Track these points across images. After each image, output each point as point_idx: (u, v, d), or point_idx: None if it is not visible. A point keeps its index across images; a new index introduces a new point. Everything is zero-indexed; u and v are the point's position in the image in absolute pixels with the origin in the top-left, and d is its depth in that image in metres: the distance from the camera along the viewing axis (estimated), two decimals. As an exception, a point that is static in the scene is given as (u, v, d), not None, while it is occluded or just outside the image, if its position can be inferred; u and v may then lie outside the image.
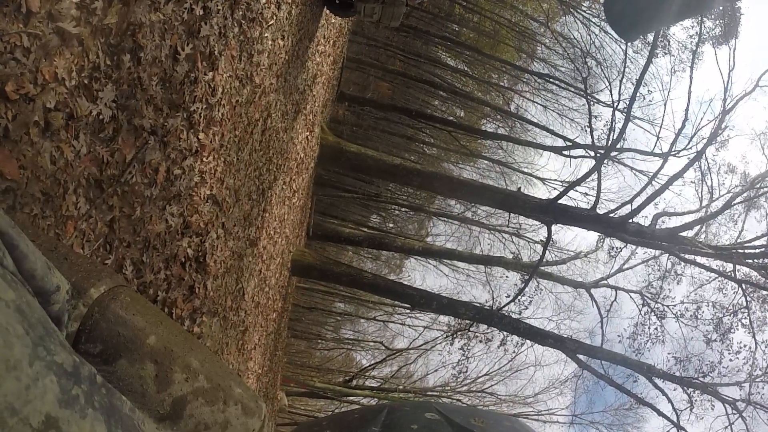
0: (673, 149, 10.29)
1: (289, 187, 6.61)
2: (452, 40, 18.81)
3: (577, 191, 14.31)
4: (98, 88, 1.80)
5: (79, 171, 1.77)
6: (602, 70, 15.87)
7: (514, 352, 14.61)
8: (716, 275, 11.76)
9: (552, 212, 8.91)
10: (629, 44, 12.03)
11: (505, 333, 11.80)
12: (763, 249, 10.20)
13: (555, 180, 20.01)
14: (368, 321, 24.59)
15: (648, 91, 13.59)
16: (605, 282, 15.98)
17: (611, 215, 9.17)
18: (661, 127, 15.50)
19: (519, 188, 9.97)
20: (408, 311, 19.43)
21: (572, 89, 17.55)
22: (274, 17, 4.12)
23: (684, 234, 9.99)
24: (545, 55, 19.22)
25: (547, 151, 15.99)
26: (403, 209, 22.30)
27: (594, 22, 16.27)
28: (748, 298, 11.05)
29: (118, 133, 1.98)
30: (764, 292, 11.20)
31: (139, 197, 2.23)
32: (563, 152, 15.18)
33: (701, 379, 11.20)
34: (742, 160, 29.18)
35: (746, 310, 11.06)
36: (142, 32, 2.05)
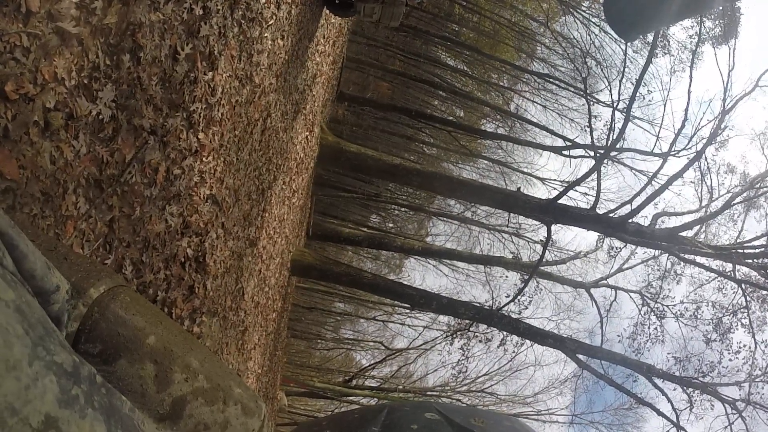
0: (672, 149, 10.29)
1: (288, 187, 6.60)
2: (452, 40, 18.81)
3: (576, 191, 14.33)
4: (98, 88, 1.80)
5: (78, 171, 1.76)
6: (602, 70, 15.89)
7: (513, 352, 14.61)
8: (716, 275, 11.77)
9: (552, 212, 8.91)
10: (629, 44, 12.04)
11: (504, 333, 11.80)
12: (762, 249, 10.20)
13: (555, 180, 20.04)
14: (368, 321, 24.59)
15: (648, 91, 13.60)
16: (605, 282, 15.99)
17: (611, 215, 9.17)
18: (660, 127, 15.47)
19: (519, 188, 9.97)
20: (408, 311, 19.44)
21: (572, 89, 17.56)
22: (274, 17, 4.12)
23: (684, 234, 9.99)
24: (545, 55, 19.24)
25: (547, 150, 15.99)
26: (403, 209, 22.30)
27: (594, 22, 16.28)
28: (748, 298, 11.06)
29: (117, 132, 1.98)
30: (764, 292, 11.21)
31: (138, 197, 2.23)
32: (563, 152, 15.18)
33: (701, 379, 11.20)
34: (742, 160, 29.23)
35: (746, 310, 11.06)
36: (142, 32, 2.05)
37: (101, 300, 0.74)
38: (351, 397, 18.49)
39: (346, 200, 19.81)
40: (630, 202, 9.43)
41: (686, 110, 9.81)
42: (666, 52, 14.11)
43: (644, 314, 13.49)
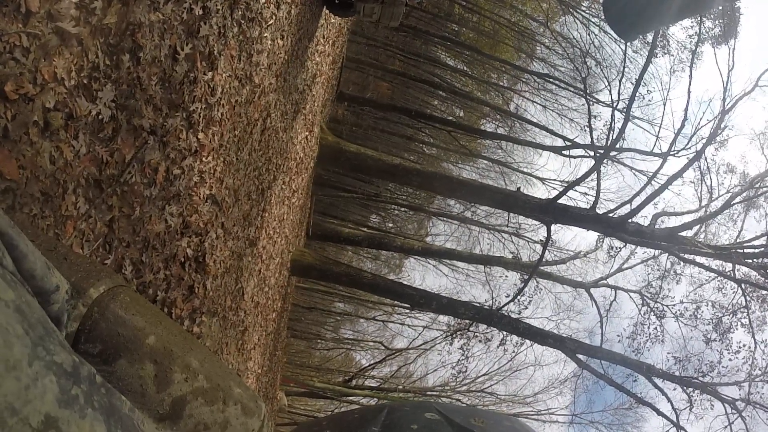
0: (672, 149, 10.30)
1: (288, 187, 6.60)
2: (452, 40, 18.81)
3: (576, 191, 14.33)
4: (97, 88, 1.80)
5: (78, 171, 1.76)
6: (602, 69, 15.89)
7: (513, 351, 14.61)
8: (716, 275, 11.77)
9: (551, 212, 8.91)
10: (628, 44, 12.04)
11: (504, 333, 11.80)
12: (762, 249, 10.20)
13: (554, 180, 20.03)
14: (368, 321, 24.60)
15: (647, 90, 13.61)
16: (605, 282, 15.99)
17: (611, 215, 9.18)
18: (660, 127, 15.46)
19: (518, 188, 9.97)
20: (407, 311, 19.44)
21: (572, 89, 17.57)
22: (274, 17, 4.12)
23: (683, 234, 9.99)
24: (545, 55, 19.24)
25: (547, 150, 15.99)
26: (403, 209, 22.30)
27: (593, 22, 16.29)
28: (748, 298, 11.06)
29: (117, 133, 1.98)
30: (764, 292, 11.21)
31: (138, 197, 2.23)
32: (563, 152, 15.18)
33: (701, 378, 11.20)
34: (742, 159, 29.18)
35: (746, 310, 11.06)
36: (142, 32, 2.04)
37: (101, 300, 0.74)
38: (351, 397, 18.49)
39: (346, 200, 19.81)
40: (630, 202, 9.44)
41: (686, 110, 9.82)
42: (666, 51, 14.11)
43: (644, 314, 13.50)
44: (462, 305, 9.80)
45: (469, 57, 19.38)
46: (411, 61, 18.63)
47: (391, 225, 24.69)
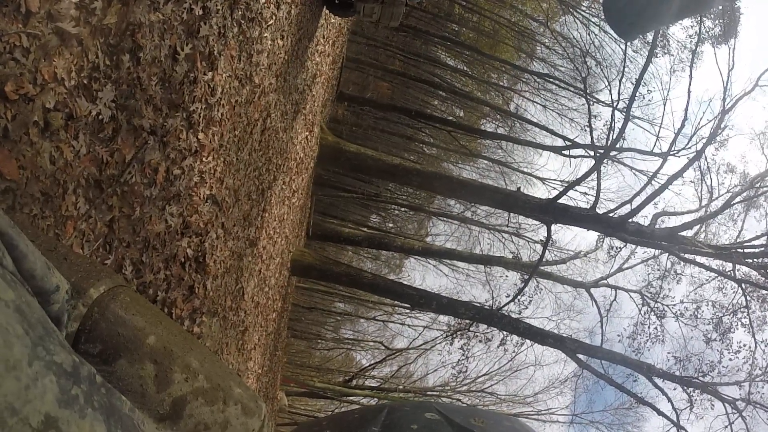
0: (672, 149, 10.29)
1: (288, 187, 6.60)
2: (452, 40, 18.81)
3: (576, 191, 14.32)
4: (97, 88, 1.80)
5: (78, 171, 1.76)
6: (602, 69, 15.89)
7: (513, 351, 14.61)
8: (716, 275, 11.77)
9: (551, 212, 8.91)
10: (628, 44, 12.04)
11: (504, 333, 11.79)
12: (762, 248, 10.20)
13: (554, 180, 20.03)
14: (368, 321, 24.59)
15: (647, 90, 13.60)
16: (605, 281, 15.98)
17: (611, 215, 9.17)
18: (660, 127, 15.48)
19: (519, 188, 9.97)
20: (408, 311, 19.44)
21: (572, 89, 17.56)
22: (274, 17, 4.12)
23: (683, 233, 9.99)
24: (545, 55, 19.24)
25: (547, 150, 15.99)
26: (403, 209, 22.30)
27: (593, 22, 16.28)
28: (748, 298, 11.05)
29: (117, 133, 1.98)
30: (764, 292, 11.21)
31: (138, 197, 2.23)
32: (563, 152, 15.18)
33: (701, 378, 11.20)
34: (742, 159, 29.21)
35: (746, 310, 11.06)
36: (142, 32, 2.05)
37: (101, 300, 0.74)
38: (351, 397, 18.49)
39: (346, 200, 19.81)
40: (630, 201, 9.43)
41: (686, 110, 9.81)
42: (666, 51, 14.11)
43: (644, 314, 13.50)
44: (462, 305, 9.80)
45: (469, 57, 19.38)
46: (411, 61, 18.63)
47: (391, 225, 24.69)
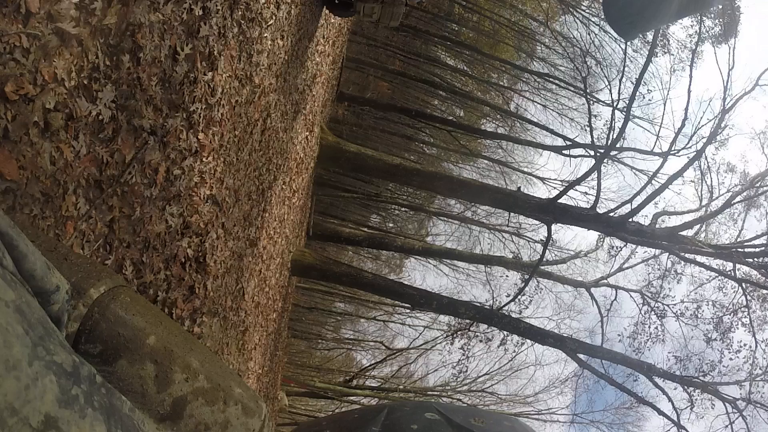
0: (672, 148, 10.29)
1: (288, 187, 6.61)
2: (452, 40, 18.81)
3: (576, 190, 14.30)
4: (98, 89, 1.80)
5: (78, 171, 1.77)
6: (602, 69, 15.89)
7: (514, 351, 14.61)
8: (716, 274, 11.77)
9: (552, 211, 8.91)
10: (628, 43, 12.04)
11: (505, 332, 11.80)
12: (763, 248, 10.20)
13: (555, 179, 20.01)
14: (368, 321, 24.59)
15: (648, 90, 13.59)
16: (605, 281, 15.97)
17: (611, 214, 9.17)
18: (660, 126, 15.51)
19: (519, 188, 9.95)
20: (408, 311, 19.42)
21: (572, 88, 17.56)
22: (274, 17, 4.12)
23: (684, 233, 9.99)
24: (545, 55, 19.23)
25: (547, 150, 15.98)
26: (403, 209, 22.30)
27: (593, 22, 16.28)
28: (748, 297, 11.06)
29: (117, 133, 1.98)
30: (764, 291, 11.21)
31: (138, 197, 2.23)
32: (563, 151, 15.16)
33: (701, 378, 11.20)
34: (742, 159, 29.22)
35: (746, 309, 11.06)
36: (142, 32, 2.05)
37: (101, 300, 0.74)
38: (351, 397, 18.49)
39: (346, 200, 19.81)
40: (630, 201, 9.41)
41: (686, 109, 9.81)
42: (666, 51, 14.11)
43: (644, 313, 13.50)
44: (462, 305, 9.80)
45: (469, 57, 19.37)
46: (411, 61, 18.62)
47: (391, 225, 24.69)
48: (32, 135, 1.51)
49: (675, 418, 10.44)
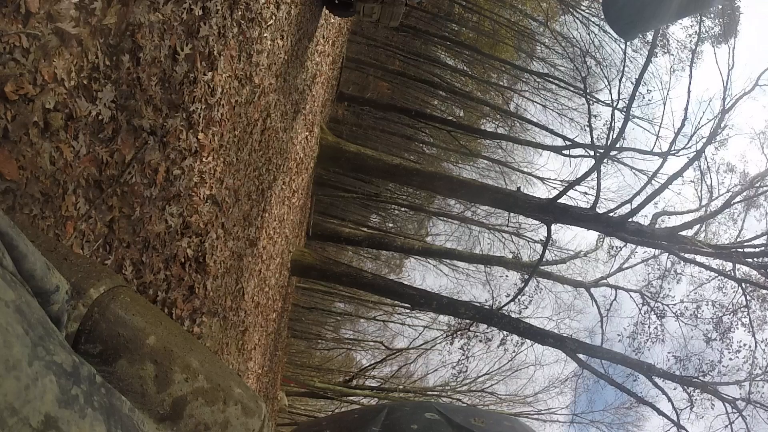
0: (672, 148, 10.29)
1: (288, 187, 6.60)
2: (451, 40, 18.81)
3: (576, 190, 14.31)
4: (97, 89, 1.80)
5: (78, 171, 1.76)
6: (601, 69, 15.89)
7: (514, 351, 14.61)
8: (716, 274, 11.77)
9: (552, 211, 8.91)
10: (628, 43, 12.05)
11: (504, 332, 11.79)
12: (762, 248, 10.20)
13: (554, 179, 20.03)
14: (368, 321, 24.60)
15: (647, 90, 13.62)
16: (605, 281, 15.97)
17: (611, 214, 9.17)
18: (660, 127, 15.53)
19: (518, 188, 9.95)
20: (408, 311, 19.43)
21: (572, 88, 17.56)
22: (273, 17, 4.12)
23: (684, 233, 9.99)
24: (544, 55, 19.23)
25: (547, 150, 15.98)
26: (403, 209, 22.30)
27: (593, 22, 16.28)
28: (748, 297, 11.06)
29: (117, 133, 1.98)
30: (764, 291, 11.21)
31: (138, 197, 2.23)
32: (563, 151, 15.17)
33: (701, 378, 11.20)
34: (742, 159, 29.23)
35: (746, 309, 11.06)
36: (141, 32, 2.05)
37: (101, 300, 0.74)
38: (351, 397, 18.49)
39: (346, 200, 19.81)
40: (630, 201, 9.41)
41: (686, 109, 9.78)
42: (665, 51, 14.11)
43: (644, 313, 13.50)
44: (462, 305, 9.80)
45: (469, 57, 19.38)
46: (411, 61, 18.63)
47: (391, 225, 24.69)
48: (32, 135, 1.51)
49: (675, 418, 10.44)
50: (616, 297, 15.16)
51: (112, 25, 1.84)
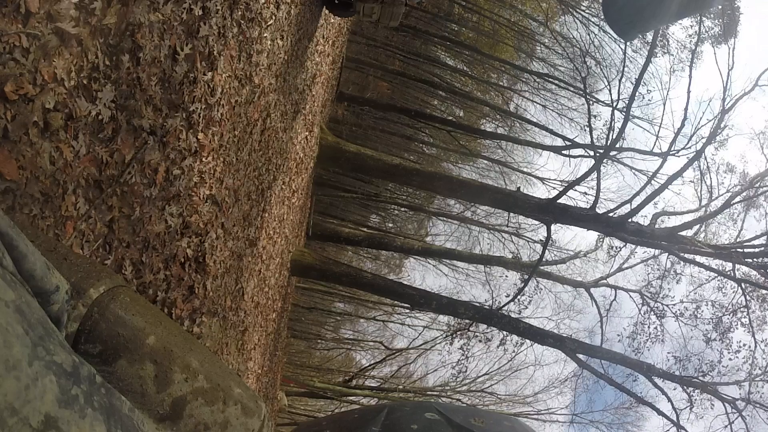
0: (672, 148, 10.29)
1: (288, 187, 6.60)
2: (451, 40, 18.81)
3: (576, 191, 14.30)
4: (97, 89, 1.80)
5: (78, 171, 1.76)
6: (601, 69, 15.89)
7: (513, 351, 14.60)
8: (716, 274, 11.77)
9: (551, 212, 8.91)
10: (628, 43, 12.05)
11: (504, 332, 11.79)
12: (762, 248, 10.20)
13: (554, 179, 20.03)
14: (368, 321, 24.60)
15: (647, 90, 13.62)
16: (605, 281, 15.98)
17: (611, 215, 9.17)
18: (660, 127, 15.52)
19: (518, 188, 9.95)
20: (407, 311, 19.44)
21: (571, 88, 17.56)
22: (273, 17, 4.12)
23: (683, 233, 9.99)
24: (544, 55, 19.24)
25: (547, 150, 15.98)
26: (403, 209, 22.30)
27: (593, 22, 16.29)
28: (748, 297, 11.06)
29: (117, 133, 1.98)
30: (764, 291, 11.22)
31: (138, 197, 2.23)
32: (562, 152, 15.17)
33: (701, 378, 11.20)
34: (741, 159, 29.19)
35: (746, 309, 11.07)
36: (141, 32, 2.04)
37: (101, 300, 0.74)
38: (351, 397, 18.49)
39: (346, 200, 19.81)
40: (630, 201, 9.42)
41: (686, 109, 9.77)
42: (665, 51, 14.12)
43: (644, 314, 13.51)
44: (462, 305, 9.80)
45: (469, 57, 19.38)
46: (411, 61, 18.63)
47: (391, 225, 24.69)
48: (32, 135, 1.51)
49: (674, 418, 10.45)
50: (615, 297, 15.18)
51: (112, 25, 1.84)
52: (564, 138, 15.46)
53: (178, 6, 2.35)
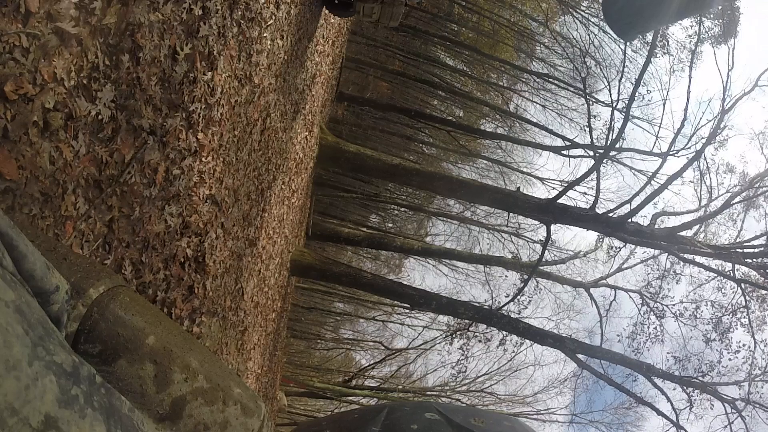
0: (672, 149, 10.29)
1: (288, 187, 6.60)
2: (451, 40, 18.82)
3: (576, 191, 14.33)
4: (97, 88, 1.80)
5: (78, 171, 1.76)
6: (601, 69, 15.89)
7: (513, 351, 14.61)
8: (715, 275, 11.78)
9: (551, 212, 8.91)
10: (628, 44, 12.05)
11: (504, 332, 11.79)
12: (762, 248, 10.20)
13: (554, 180, 20.04)
14: (367, 321, 24.59)
15: (647, 90, 13.62)
16: (604, 281, 15.98)
17: (610, 215, 9.17)
18: (660, 127, 15.51)
19: (518, 188, 9.95)
20: (407, 311, 19.44)
21: (571, 89, 17.57)
22: (273, 17, 4.12)
23: (683, 233, 10.00)
24: (544, 55, 19.24)
25: (546, 150, 15.98)
26: (402, 209, 22.30)
27: (593, 22, 16.29)
28: (747, 298, 11.07)
29: (117, 133, 1.98)
30: (763, 292, 11.22)
31: (138, 197, 2.23)
32: (562, 152, 15.17)
33: (700, 378, 11.20)
34: (741, 159, 29.12)
35: (745, 310, 11.07)
36: (141, 32, 2.04)
37: (101, 300, 0.74)
38: (351, 397, 18.49)
39: (346, 200, 19.81)
40: (629, 201, 9.42)
41: (685, 110, 9.78)
42: (665, 51, 14.12)
43: (644, 314, 13.50)
44: (462, 305, 9.80)
45: (469, 57, 19.38)
46: (411, 61, 18.63)
47: (390, 225, 24.70)
48: (32, 135, 1.51)
49: (674, 419, 10.45)
50: (615, 297, 15.17)
51: (112, 24, 1.84)
52: (564, 138, 15.46)
53: (178, 6, 2.35)
